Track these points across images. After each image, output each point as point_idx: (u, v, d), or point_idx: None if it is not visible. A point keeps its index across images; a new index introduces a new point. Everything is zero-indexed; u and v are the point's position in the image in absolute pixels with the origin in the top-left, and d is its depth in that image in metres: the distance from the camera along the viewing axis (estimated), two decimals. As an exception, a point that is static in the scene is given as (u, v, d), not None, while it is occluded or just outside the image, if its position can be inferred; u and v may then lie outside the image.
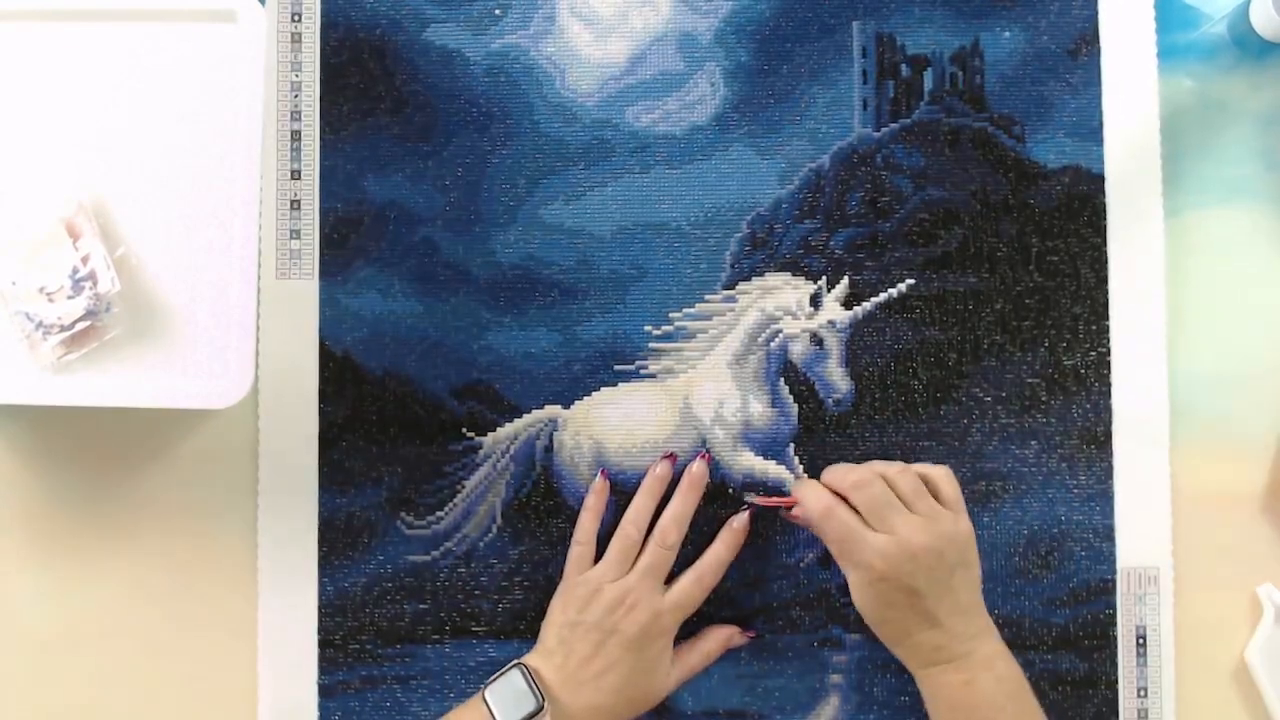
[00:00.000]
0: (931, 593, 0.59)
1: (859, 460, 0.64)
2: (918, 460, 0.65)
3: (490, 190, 0.67)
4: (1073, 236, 0.67)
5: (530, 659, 0.62)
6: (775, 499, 0.65)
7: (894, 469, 0.61)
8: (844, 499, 0.61)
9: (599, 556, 0.64)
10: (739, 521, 0.65)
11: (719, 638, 0.65)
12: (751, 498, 0.66)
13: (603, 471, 0.66)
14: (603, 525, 0.65)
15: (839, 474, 0.62)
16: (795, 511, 0.63)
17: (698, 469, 0.65)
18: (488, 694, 0.60)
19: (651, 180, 0.67)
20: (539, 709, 0.59)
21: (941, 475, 0.62)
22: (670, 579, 0.64)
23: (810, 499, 0.61)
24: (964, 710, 0.59)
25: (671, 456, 0.65)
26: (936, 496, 0.61)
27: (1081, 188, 0.67)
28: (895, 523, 0.59)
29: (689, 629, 0.65)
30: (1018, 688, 0.60)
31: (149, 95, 0.59)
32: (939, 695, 0.60)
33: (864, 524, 0.60)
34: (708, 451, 0.66)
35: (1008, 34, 0.67)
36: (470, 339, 0.66)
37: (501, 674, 0.60)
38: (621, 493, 0.65)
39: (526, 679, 0.60)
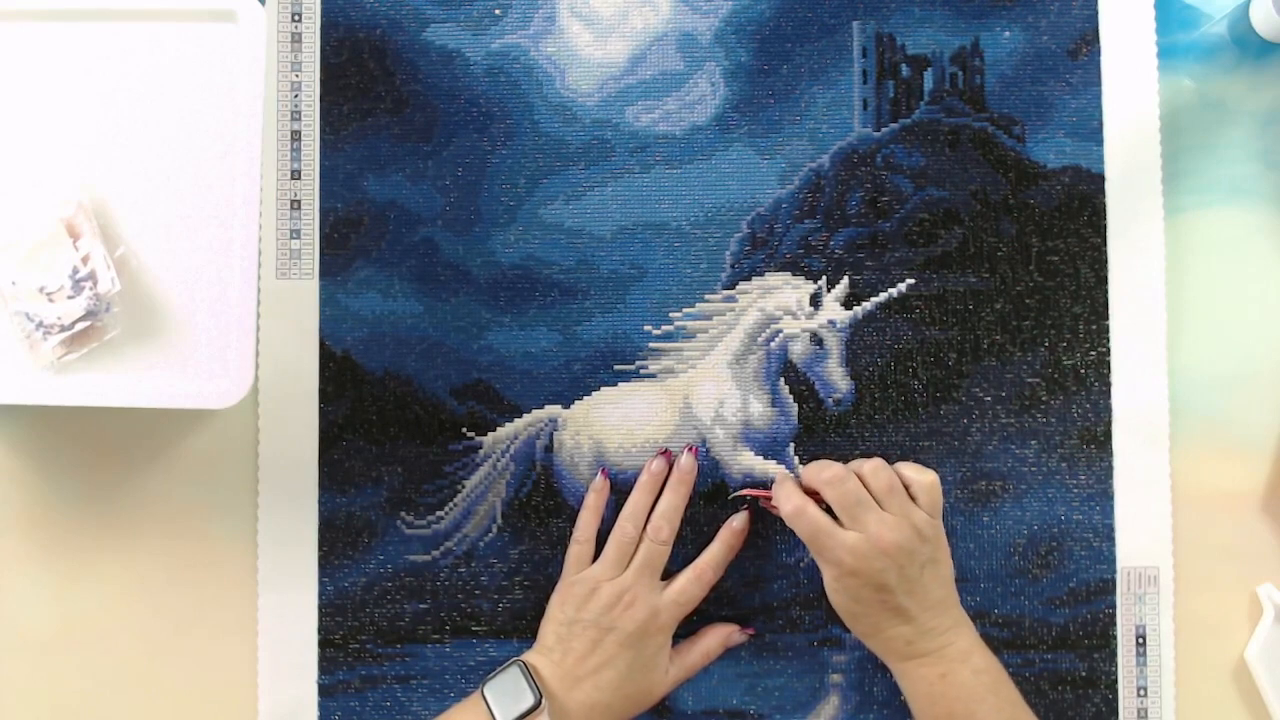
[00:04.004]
0: (901, 588, 0.59)
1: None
2: (917, 460, 0.65)
3: (490, 190, 0.67)
4: (1073, 236, 0.67)
5: (529, 656, 0.62)
6: (759, 491, 0.65)
7: (869, 466, 0.61)
8: (820, 494, 0.61)
9: (598, 555, 0.64)
10: (738, 521, 0.65)
11: (718, 636, 0.65)
12: (738, 491, 0.66)
13: (603, 470, 0.66)
14: (603, 523, 0.65)
15: (814, 470, 0.62)
16: (773, 504, 0.63)
17: (686, 462, 0.65)
18: (486, 690, 0.60)
19: (651, 180, 0.67)
20: (536, 705, 0.59)
21: (926, 484, 0.61)
22: (671, 576, 0.64)
23: (782, 498, 0.62)
24: (943, 703, 0.59)
25: (666, 453, 0.65)
26: (912, 498, 0.61)
27: (1081, 188, 0.67)
28: (866, 520, 0.59)
29: (689, 628, 0.65)
30: (997, 680, 0.60)
31: (149, 95, 0.59)
32: (916, 689, 0.61)
33: (834, 522, 0.60)
34: (695, 445, 0.66)
35: (1008, 34, 0.67)
36: (470, 339, 0.66)
37: (500, 670, 0.61)
38: (621, 492, 0.65)
39: (525, 676, 0.60)
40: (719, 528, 0.65)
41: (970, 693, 0.59)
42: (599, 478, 0.65)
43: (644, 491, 0.64)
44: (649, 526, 0.64)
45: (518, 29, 0.67)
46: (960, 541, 0.66)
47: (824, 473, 0.61)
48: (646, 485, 0.65)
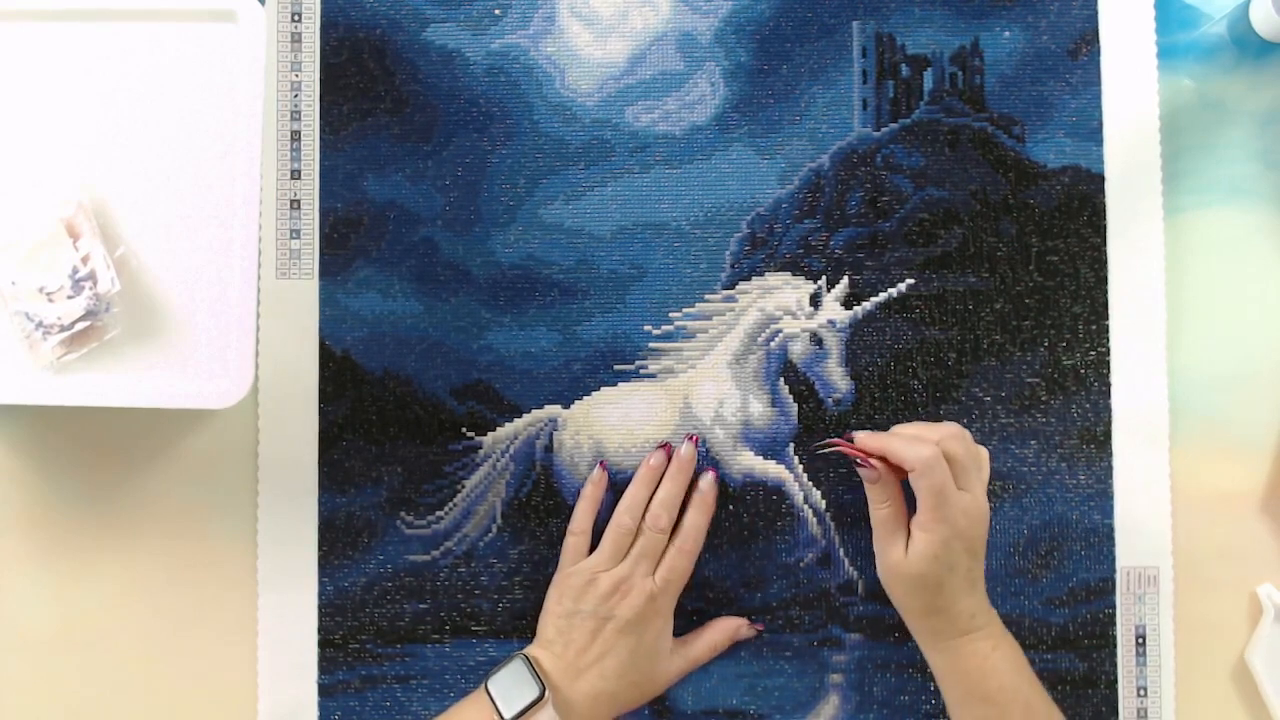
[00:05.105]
0: (978, 558, 0.60)
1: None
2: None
3: (490, 190, 0.67)
4: (1073, 236, 0.67)
5: (531, 650, 0.62)
6: (850, 447, 0.62)
7: (968, 434, 0.61)
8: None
9: (594, 547, 0.64)
10: (705, 483, 0.65)
11: (726, 628, 0.65)
12: (822, 445, 0.65)
13: (601, 463, 0.66)
14: (599, 517, 0.65)
15: (923, 428, 0.61)
16: (873, 462, 0.60)
17: (686, 451, 0.65)
18: (490, 684, 0.60)
19: (651, 180, 0.67)
20: (540, 698, 0.59)
21: (985, 459, 0.62)
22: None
23: (909, 447, 0.59)
24: (994, 677, 0.59)
25: (666, 447, 0.65)
26: None
27: (1081, 188, 0.67)
28: (974, 484, 0.60)
29: (693, 627, 0.65)
30: (1024, 657, 0.61)
31: (149, 95, 0.59)
32: (968, 665, 0.60)
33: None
34: (696, 435, 0.66)
35: (1008, 34, 0.67)
36: (470, 339, 0.66)
37: (503, 665, 0.61)
38: (619, 491, 0.65)
39: (528, 669, 0.60)
40: (714, 528, 0.66)
41: (1015, 665, 0.60)
42: (597, 470, 0.65)
43: (642, 484, 0.64)
44: (648, 515, 0.64)
45: (518, 29, 0.67)
46: (960, 541, 0.66)
47: (947, 428, 0.60)
48: (645, 478, 0.65)
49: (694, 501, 0.65)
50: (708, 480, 0.65)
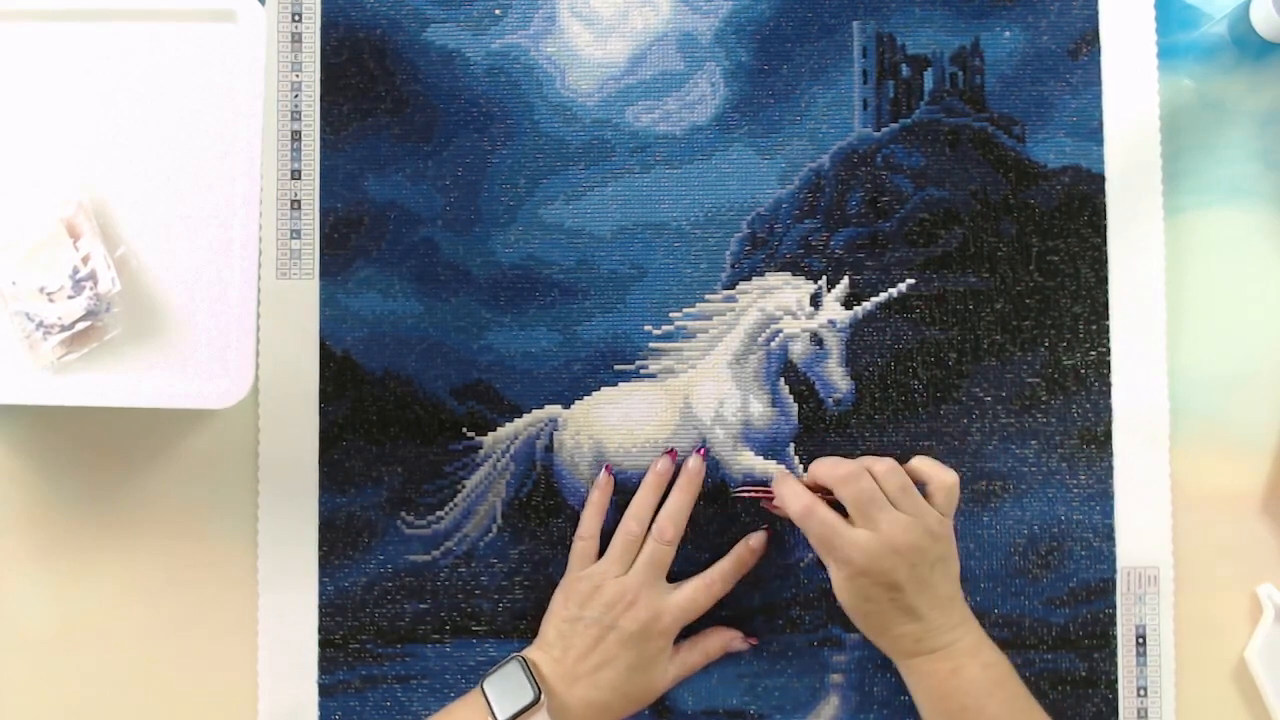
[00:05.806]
0: (911, 587, 0.59)
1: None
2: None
3: (490, 190, 0.67)
4: (1073, 236, 0.67)
5: (529, 652, 0.62)
6: (758, 490, 0.65)
7: (881, 467, 0.61)
8: (829, 492, 0.61)
9: (602, 552, 0.64)
10: (756, 540, 0.65)
11: (720, 639, 0.65)
12: (738, 490, 0.66)
13: (607, 467, 0.66)
14: (606, 522, 0.65)
15: (826, 467, 0.61)
16: (776, 503, 0.63)
17: (694, 464, 0.65)
18: (486, 685, 0.60)
19: (651, 180, 0.67)
20: (535, 701, 0.59)
21: (947, 485, 0.61)
22: (676, 578, 0.64)
23: (789, 497, 0.61)
24: (954, 698, 0.59)
25: (673, 452, 0.65)
26: (928, 494, 0.61)
27: (1081, 188, 0.67)
28: (879, 519, 0.59)
29: (690, 627, 0.65)
30: (1005, 674, 0.60)
31: (149, 95, 0.59)
32: (926, 684, 0.60)
33: (844, 520, 0.60)
34: (704, 447, 0.66)
35: (1008, 34, 0.67)
36: (470, 339, 0.66)
37: (500, 666, 0.61)
38: (621, 492, 0.65)
39: (525, 672, 0.60)
40: (717, 529, 0.66)
41: (981, 687, 0.59)
42: (603, 474, 0.65)
43: (649, 491, 0.64)
44: (655, 527, 0.63)
45: (518, 29, 0.67)
46: (960, 541, 0.65)
47: (838, 469, 0.60)
48: (652, 485, 0.65)
49: (737, 551, 0.65)
50: (759, 539, 0.65)
